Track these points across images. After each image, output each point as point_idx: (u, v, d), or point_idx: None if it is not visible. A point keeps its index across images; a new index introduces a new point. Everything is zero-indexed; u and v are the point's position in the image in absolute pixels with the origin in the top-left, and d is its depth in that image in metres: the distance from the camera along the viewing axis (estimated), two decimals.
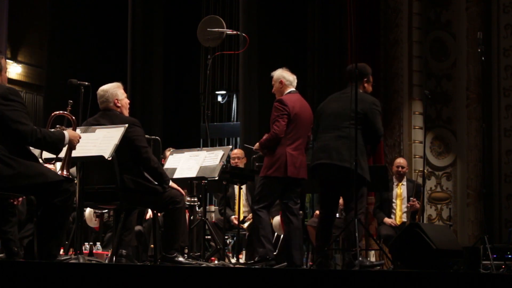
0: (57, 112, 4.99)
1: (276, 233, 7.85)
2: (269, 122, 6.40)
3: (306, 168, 6.33)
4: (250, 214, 7.86)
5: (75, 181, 5.04)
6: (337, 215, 7.97)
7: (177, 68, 11.86)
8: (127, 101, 5.74)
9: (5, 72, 4.77)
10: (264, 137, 6.32)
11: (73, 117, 4.98)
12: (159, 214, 6.17)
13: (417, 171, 8.97)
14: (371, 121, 6.00)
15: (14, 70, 12.63)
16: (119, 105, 5.66)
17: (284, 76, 6.43)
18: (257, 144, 6.45)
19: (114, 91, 5.66)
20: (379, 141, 6.27)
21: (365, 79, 6.22)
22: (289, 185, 6.30)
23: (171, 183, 5.68)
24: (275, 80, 6.46)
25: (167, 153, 7.72)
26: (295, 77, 6.48)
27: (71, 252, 5.48)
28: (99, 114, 5.66)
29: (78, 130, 4.94)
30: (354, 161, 5.81)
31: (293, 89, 6.44)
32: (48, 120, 4.90)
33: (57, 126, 4.85)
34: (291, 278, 4.07)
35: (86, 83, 5.42)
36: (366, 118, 5.98)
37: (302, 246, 6.40)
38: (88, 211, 7.03)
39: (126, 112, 5.71)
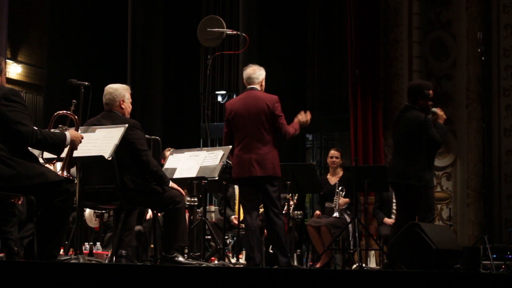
0: (60, 112, 4.99)
1: None
2: None
3: (265, 164, 6.15)
4: None
5: (75, 181, 5.04)
6: (337, 214, 8.00)
7: (177, 68, 11.85)
8: (131, 106, 5.77)
9: (5, 74, 4.78)
10: None
11: (76, 117, 4.99)
12: (159, 214, 6.17)
13: None
14: (428, 136, 6.44)
15: (14, 70, 12.64)
16: (123, 106, 5.68)
17: (244, 75, 6.44)
18: None
19: (123, 92, 5.69)
20: (439, 147, 6.79)
21: (419, 97, 6.57)
22: (255, 186, 6.23)
23: (171, 184, 5.69)
24: None
25: (167, 153, 7.72)
26: (250, 73, 6.37)
27: (71, 252, 5.49)
28: (101, 115, 5.67)
29: (79, 130, 4.94)
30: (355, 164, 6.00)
31: (251, 86, 6.38)
32: (51, 119, 4.90)
33: (60, 126, 4.86)
34: (291, 278, 4.07)
35: (86, 83, 5.42)
36: (419, 135, 6.46)
37: (278, 248, 6.20)
38: (88, 211, 7.03)
39: (127, 116, 5.73)
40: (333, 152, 8.45)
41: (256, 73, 6.37)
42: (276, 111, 6.23)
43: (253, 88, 6.35)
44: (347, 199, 8.04)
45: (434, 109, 6.64)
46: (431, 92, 6.63)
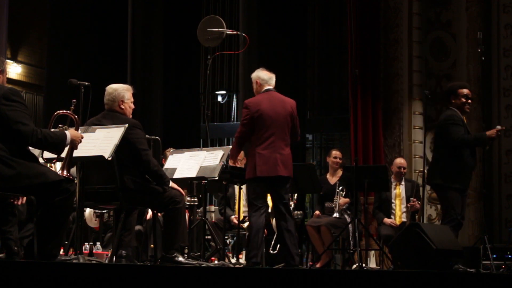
0: (60, 112, 4.99)
1: (276, 233, 7.84)
2: None
3: (288, 165, 6.26)
4: None
5: (75, 181, 5.04)
6: (337, 215, 8.00)
7: (177, 68, 11.85)
8: (132, 106, 5.76)
9: (5, 74, 4.77)
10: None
11: (76, 117, 4.99)
12: (159, 214, 6.17)
13: (417, 171, 8.97)
14: (446, 133, 6.56)
15: (14, 70, 12.63)
16: (122, 107, 5.67)
17: (259, 76, 6.43)
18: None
19: (122, 92, 5.68)
20: (458, 145, 6.58)
21: (452, 96, 6.72)
22: (272, 185, 6.25)
23: (171, 184, 5.69)
24: (252, 81, 6.48)
25: (167, 153, 7.72)
26: (271, 76, 6.42)
27: (71, 252, 5.48)
28: (101, 115, 5.67)
29: (79, 130, 4.94)
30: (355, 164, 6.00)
31: (269, 87, 6.39)
32: (51, 119, 4.90)
33: (60, 125, 4.85)
34: (291, 278, 4.07)
35: (86, 83, 5.42)
36: (441, 134, 6.65)
37: (292, 247, 6.23)
38: (88, 211, 7.03)
39: (129, 116, 5.72)
40: (336, 153, 8.44)
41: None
42: (296, 114, 6.41)
43: (271, 89, 6.39)
44: (347, 199, 8.04)
45: (498, 127, 6.72)
46: (465, 91, 6.70)
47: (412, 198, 8.07)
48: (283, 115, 6.29)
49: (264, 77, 6.41)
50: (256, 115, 6.23)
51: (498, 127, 6.69)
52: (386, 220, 8.11)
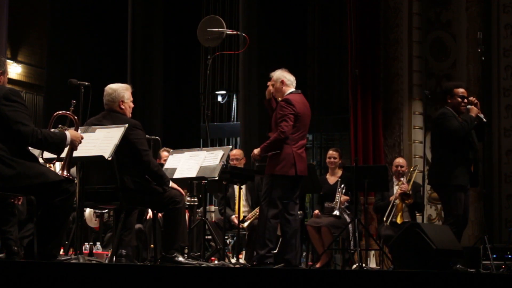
0: (60, 112, 5.00)
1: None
2: (270, 121, 6.41)
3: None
4: (250, 214, 7.86)
5: (75, 181, 5.04)
6: (337, 212, 7.99)
7: (177, 68, 11.85)
8: (132, 105, 5.75)
9: (6, 75, 4.77)
10: (269, 140, 6.30)
11: (76, 117, 4.99)
12: (159, 214, 6.17)
13: (416, 170, 8.96)
14: (443, 130, 6.52)
15: (14, 70, 12.63)
16: (123, 107, 5.66)
17: (285, 76, 6.45)
18: (256, 151, 6.41)
19: (122, 92, 5.67)
20: (459, 135, 6.52)
21: (448, 96, 6.69)
22: (292, 185, 6.30)
23: (171, 184, 5.69)
24: (275, 80, 6.46)
25: (162, 153, 7.73)
26: (294, 78, 6.51)
27: (71, 252, 5.49)
28: (101, 115, 5.66)
29: (79, 130, 4.94)
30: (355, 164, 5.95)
31: (294, 89, 6.46)
32: (51, 119, 4.90)
33: (59, 126, 4.86)
34: (291, 278, 4.07)
35: (86, 83, 5.42)
36: (437, 133, 6.67)
37: (298, 246, 6.41)
38: (88, 211, 7.03)
39: (128, 116, 5.72)
40: (331, 153, 8.44)
41: None
42: None
43: (295, 92, 6.45)
44: (347, 197, 8.03)
45: (469, 106, 6.67)
46: (460, 90, 6.69)
47: (401, 179, 8.07)
48: (309, 118, 6.45)
49: (290, 78, 6.48)
50: (298, 114, 6.29)
51: (471, 106, 6.68)
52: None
